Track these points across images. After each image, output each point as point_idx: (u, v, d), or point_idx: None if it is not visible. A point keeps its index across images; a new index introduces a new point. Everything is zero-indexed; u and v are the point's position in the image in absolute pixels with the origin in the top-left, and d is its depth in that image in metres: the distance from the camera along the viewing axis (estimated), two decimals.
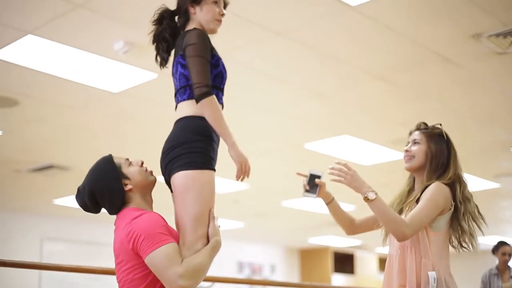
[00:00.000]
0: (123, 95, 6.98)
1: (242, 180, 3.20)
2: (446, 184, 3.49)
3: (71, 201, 11.95)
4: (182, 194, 3.07)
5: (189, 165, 3.04)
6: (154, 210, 3.23)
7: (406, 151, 3.67)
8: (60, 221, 13.86)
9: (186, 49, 3.15)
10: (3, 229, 13.35)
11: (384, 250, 3.74)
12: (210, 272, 3.53)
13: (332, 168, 3.44)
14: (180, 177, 3.06)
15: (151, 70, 6.26)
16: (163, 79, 6.51)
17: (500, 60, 6.18)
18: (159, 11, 3.41)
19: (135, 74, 6.44)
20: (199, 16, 3.32)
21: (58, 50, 5.89)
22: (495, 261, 9.11)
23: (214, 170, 3.15)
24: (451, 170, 3.56)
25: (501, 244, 9.06)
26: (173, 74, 3.30)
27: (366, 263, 20.84)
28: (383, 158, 9.34)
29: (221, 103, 3.26)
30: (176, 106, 3.26)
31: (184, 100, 3.19)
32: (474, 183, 11.03)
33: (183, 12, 3.37)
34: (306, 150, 8.83)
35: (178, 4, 3.41)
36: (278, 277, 19.03)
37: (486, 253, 9.50)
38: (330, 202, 3.81)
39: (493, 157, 9.71)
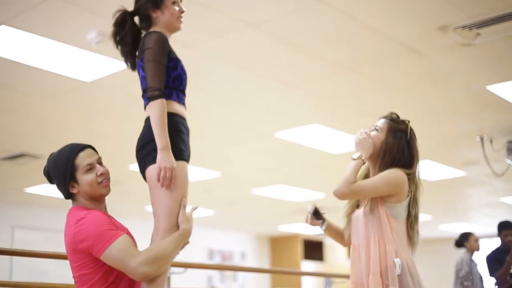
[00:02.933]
0: (96, 84, 7.00)
1: (164, 186, 3.14)
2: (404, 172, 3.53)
3: (42, 190, 11.93)
4: (155, 186, 3.16)
5: None
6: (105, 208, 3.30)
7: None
8: (31, 210, 13.81)
9: (144, 53, 3.23)
10: None
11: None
12: (182, 258, 3.61)
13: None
14: (152, 169, 3.15)
15: (123, 60, 6.30)
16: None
17: (466, 52, 6.28)
18: (120, 14, 3.45)
19: (108, 64, 6.47)
20: (162, 19, 3.41)
21: (31, 40, 5.90)
22: (458, 249, 9.24)
23: (186, 160, 3.24)
24: (414, 167, 3.62)
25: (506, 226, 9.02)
26: (139, 75, 3.38)
27: (335, 251, 20.96)
28: (352, 146, 9.43)
29: (183, 103, 3.35)
30: (144, 107, 3.33)
31: (148, 103, 3.25)
32: (442, 172, 11.18)
33: (145, 17, 3.43)
34: (276, 139, 8.89)
35: (138, 9, 3.46)
36: (249, 264, 19.10)
37: (452, 240, 9.65)
38: (325, 226, 3.91)
39: (460, 146, 9.83)
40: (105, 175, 3.24)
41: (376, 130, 3.66)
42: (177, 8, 3.45)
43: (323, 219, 3.90)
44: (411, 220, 3.58)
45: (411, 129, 3.66)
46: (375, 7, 5.49)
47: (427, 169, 10.75)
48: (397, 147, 3.60)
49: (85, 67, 6.56)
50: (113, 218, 3.20)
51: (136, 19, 3.49)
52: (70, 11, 5.43)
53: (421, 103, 7.82)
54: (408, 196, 3.53)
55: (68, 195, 3.20)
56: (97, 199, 3.23)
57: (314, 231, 18.86)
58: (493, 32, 5.84)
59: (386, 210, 3.48)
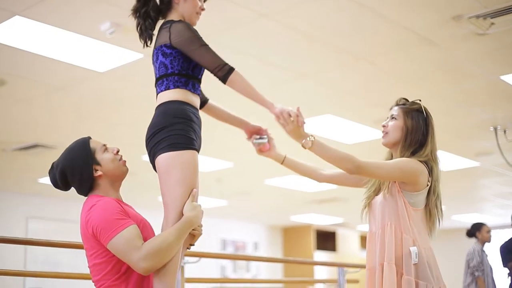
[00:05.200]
0: (109, 75, 7.02)
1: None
2: (421, 162, 3.51)
3: None
4: (164, 174, 3.15)
5: (170, 146, 3.13)
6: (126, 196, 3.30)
7: (383, 126, 3.69)
8: (45, 200, 13.87)
9: (183, 43, 3.24)
10: None
11: (366, 228, 3.80)
12: (195, 248, 3.61)
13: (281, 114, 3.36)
14: (162, 158, 3.14)
15: (137, 50, 6.32)
16: (149, 60, 6.58)
17: (480, 41, 6.26)
18: None
19: (121, 55, 6.49)
20: (183, 7, 3.40)
21: (46, 31, 5.92)
22: (470, 239, 9.25)
23: (196, 150, 3.23)
24: (428, 147, 3.58)
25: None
26: (153, 62, 3.38)
27: (347, 241, 20.99)
28: (365, 137, 9.44)
29: (198, 93, 3.36)
30: (156, 96, 3.34)
31: (162, 91, 3.28)
32: (455, 162, 11.16)
33: (166, 0, 3.42)
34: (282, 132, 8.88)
35: None
36: (261, 254, 19.13)
37: (464, 230, 9.64)
38: (283, 161, 3.86)
39: (474, 136, 9.81)
40: (120, 154, 3.27)
41: (394, 118, 3.65)
42: (199, 3, 3.45)
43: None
44: (430, 209, 3.57)
45: (424, 107, 3.67)
46: None
47: (441, 159, 10.69)
48: (416, 127, 3.60)
49: (98, 57, 6.58)
50: (129, 206, 3.21)
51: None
52: (84, 2, 5.46)
53: (434, 93, 7.81)
54: (427, 186, 3.51)
55: (91, 184, 3.18)
56: (120, 179, 3.25)
57: (327, 221, 18.88)
58: (508, 21, 5.82)
59: (404, 198, 3.47)
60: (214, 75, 3.25)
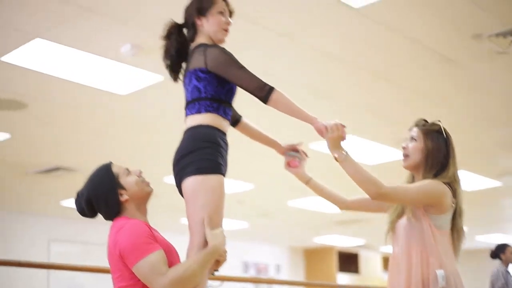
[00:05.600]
0: (130, 97, 7.05)
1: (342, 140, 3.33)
2: (445, 183, 3.44)
3: None
4: (191, 198, 3.15)
5: (198, 170, 3.12)
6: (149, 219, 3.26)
7: (403, 148, 3.63)
8: (67, 223, 13.89)
9: (221, 66, 3.25)
10: (11, 230, 13.41)
11: (389, 249, 3.75)
12: (218, 272, 3.59)
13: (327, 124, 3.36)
14: (189, 182, 3.14)
15: (158, 72, 6.35)
16: (169, 82, 6.60)
17: (500, 60, 6.24)
18: (167, 26, 3.48)
19: (142, 77, 6.52)
20: (206, 27, 3.40)
21: (66, 53, 5.97)
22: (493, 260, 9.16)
23: (223, 174, 3.23)
24: (450, 169, 3.51)
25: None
26: (185, 85, 3.38)
27: (370, 263, 20.88)
28: (386, 157, 9.41)
29: (229, 119, 3.36)
30: (185, 119, 3.34)
31: (192, 114, 3.28)
32: (477, 182, 11.09)
33: (190, 25, 3.44)
34: (310, 150, 8.88)
35: (185, 18, 3.48)
36: (284, 277, 19.03)
37: (488, 251, 9.55)
38: (309, 180, 3.83)
39: (496, 156, 9.76)
40: (142, 175, 3.25)
41: (414, 140, 3.60)
42: (223, 19, 3.45)
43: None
44: (456, 231, 3.53)
45: (444, 128, 3.63)
46: (408, 16, 5.49)
47: (463, 179, 10.61)
48: (437, 148, 3.54)
49: (119, 79, 6.61)
50: (155, 230, 3.19)
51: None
52: (105, 24, 5.49)
53: (456, 112, 7.77)
54: (452, 207, 3.47)
55: (118, 208, 3.16)
56: (145, 201, 3.23)
57: (350, 243, 18.79)
58: None
59: (429, 221, 3.42)
60: (255, 96, 3.25)
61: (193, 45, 3.42)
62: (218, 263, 3.23)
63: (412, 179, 3.66)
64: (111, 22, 5.47)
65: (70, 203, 12.28)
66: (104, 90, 6.82)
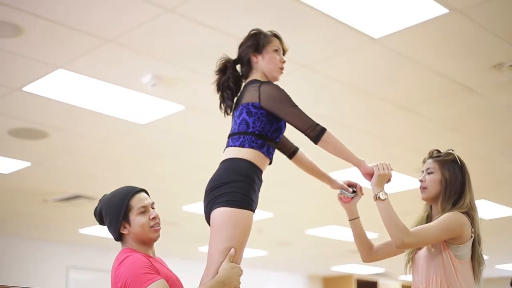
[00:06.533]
0: (151, 127, 7.09)
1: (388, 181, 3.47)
2: (463, 213, 3.44)
3: (97, 231, 12.03)
4: (216, 228, 3.15)
5: (229, 202, 3.13)
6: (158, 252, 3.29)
7: (421, 181, 3.63)
8: (86, 250, 13.93)
9: (274, 104, 3.30)
10: (30, 257, 13.43)
11: (408, 278, 3.73)
12: None
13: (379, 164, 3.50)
14: (218, 212, 3.15)
15: (178, 102, 6.39)
16: (190, 112, 6.64)
17: None
18: (222, 61, 3.51)
19: (163, 107, 6.55)
20: (262, 65, 3.46)
21: (88, 84, 6.03)
22: None
23: (253, 211, 3.23)
24: (467, 197, 3.51)
25: None
26: (234, 117, 3.41)
27: None
28: (405, 186, 9.38)
29: (270, 158, 3.37)
30: (225, 149, 3.36)
31: (235, 146, 3.29)
32: (496, 210, 11.03)
33: (245, 61, 3.49)
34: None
35: (240, 54, 3.52)
36: None
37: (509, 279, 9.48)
38: (354, 219, 3.76)
39: None
40: (157, 220, 3.22)
41: (431, 173, 3.60)
42: (278, 58, 3.50)
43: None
44: (477, 260, 3.51)
45: (458, 156, 3.64)
46: (429, 46, 5.49)
47: (483, 207, 10.60)
48: (454, 178, 3.54)
49: (140, 109, 6.65)
50: (160, 262, 3.21)
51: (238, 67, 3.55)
52: (126, 55, 5.54)
53: (476, 140, 7.74)
54: (471, 237, 3.46)
55: (118, 236, 3.19)
56: (147, 243, 3.21)
57: (369, 271, 18.69)
58: None
59: (449, 251, 3.41)
60: (306, 135, 3.30)
61: (246, 81, 3.48)
62: None
63: (430, 209, 3.66)
64: (132, 52, 5.51)
65: (89, 231, 12.32)
66: (124, 119, 6.87)
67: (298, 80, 6.02)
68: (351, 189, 3.74)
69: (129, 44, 5.36)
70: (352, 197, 3.73)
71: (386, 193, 3.40)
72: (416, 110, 6.79)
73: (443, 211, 3.48)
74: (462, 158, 3.67)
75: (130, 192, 3.21)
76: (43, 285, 12.02)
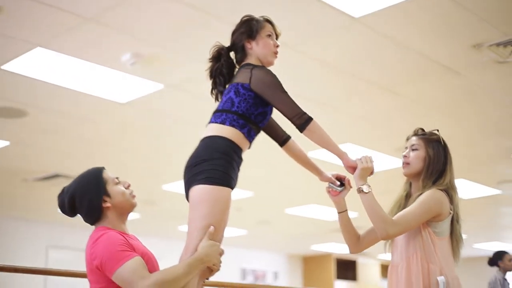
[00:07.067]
0: (130, 105, 7.06)
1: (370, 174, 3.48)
2: (442, 190, 3.50)
3: None
4: (195, 205, 3.16)
5: (208, 180, 3.14)
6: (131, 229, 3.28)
7: (404, 156, 3.67)
8: (66, 230, 13.89)
9: (264, 87, 3.33)
10: (9, 236, 13.45)
11: (387, 257, 3.77)
12: (215, 278, 3.60)
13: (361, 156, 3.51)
14: (197, 190, 3.16)
15: (158, 81, 6.36)
16: (169, 90, 6.62)
17: (500, 69, 6.25)
18: (216, 48, 3.54)
19: (142, 85, 6.53)
20: (256, 50, 3.50)
21: (67, 62, 5.99)
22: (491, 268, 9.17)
23: (232, 188, 3.25)
24: (447, 176, 3.58)
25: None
26: (224, 94, 3.42)
27: (368, 270, 20.87)
28: (385, 165, 9.42)
29: (250, 140, 3.39)
30: (207, 124, 3.37)
31: (216, 122, 3.31)
32: (476, 190, 11.11)
33: (239, 48, 3.52)
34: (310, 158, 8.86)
35: (234, 41, 3.55)
36: (282, 284, 19.03)
37: (486, 259, 9.55)
38: (343, 212, 3.77)
39: (495, 164, 9.75)
40: (131, 188, 3.27)
41: (416, 149, 3.64)
42: (271, 42, 3.55)
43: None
44: (455, 237, 3.56)
45: (442, 137, 3.68)
46: (409, 26, 5.50)
47: (462, 187, 10.66)
48: (437, 156, 3.60)
49: (119, 88, 6.62)
50: (134, 238, 3.21)
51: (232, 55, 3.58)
52: (105, 33, 5.50)
53: (456, 121, 7.78)
54: (450, 213, 3.50)
55: (99, 214, 3.18)
56: (127, 212, 3.24)
57: (348, 250, 18.77)
58: None
59: (429, 229, 3.45)
60: (292, 122, 3.32)
61: (243, 63, 3.50)
62: (211, 271, 3.23)
63: (409, 187, 3.72)
64: (111, 32, 5.48)
65: None
66: (103, 98, 6.84)
67: (279, 59, 6.00)
68: (338, 183, 3.73)
69: (109, 22, 5.32)
70: (340, 191, 3.72)
71: (369, 186, 3.43)
72: (396, 90, 6.81)
73: (424, 188, 3.54)
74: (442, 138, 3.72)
75: (99, 169, 3.24)
76: (23, 264, 11.97)
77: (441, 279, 3.38)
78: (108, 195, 3.17)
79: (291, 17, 5.32)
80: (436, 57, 6.04)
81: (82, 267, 3.82)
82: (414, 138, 3.70)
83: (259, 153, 8.55)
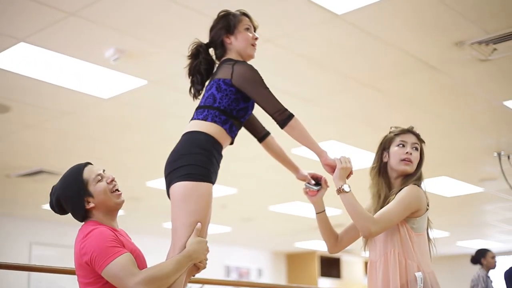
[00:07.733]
0: (114, 101, 7.05)
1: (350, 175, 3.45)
2: (419, 186, 3.55)
3: None
4: (178, 203, 3.16)
5: (187, 176, 3.15)
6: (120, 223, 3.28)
7: (409, 153, 3.61)
8: (49, 226, 13.87)
9: (246, 83, 3.33)
10: None
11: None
12: (199, 275, 3.60)
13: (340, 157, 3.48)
14: (177, 187, 3.16)
15: (141, 77, 6.36)
16: (153, 86, 6.62)
17: (482, 67, 6.28)
18: (194, 46, 3.54)
19: (125, 81, 6.52)
20: (235, 45, 3.51)
21: (50, 58, 5.96)
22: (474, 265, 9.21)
23: (213, 183, 3.25)
24: (422, 173, 3.64)
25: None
26: (206, 90, 3.43)
27: (352, 267, 20.93)
28: (368, 163, 9.42)
29: (232, 136, 3.39)
30: (190, 121, 3.37)
31: (198, 119, 3.32)
32: (459, 188, 11.13)
33: (219, 44, 3.52)
34: (293, 155, 8.82)
35: (212, 37, 3.55)
36: (266, 281, 19.03)
37: (469, 256, 9.59)
38: (321, 212, 3.75)
39: (477, 162, 9.78)
40: (115, 182, 3.24)
41: (416, 149, 3.66)
42: (250, 35, 3.56)
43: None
44: (430, 232, 3.60)
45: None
46: (392, 23, 5.52)
47: (444, 185, 10.70)
48: (423, 158, 3.67)
49: (103, 83, 6.61)
50: (124, 235, 3.22)
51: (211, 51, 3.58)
52: (88, 29, 5.49)
53: (437, 119, 7.81)
54: (427, 209, 3.53)
55: (84, 214, 3.17)
56: (113, 210, 3.22)
57: None
58: (510, 47, 5.85)
59: (406, 225, 3.47)
60: (274, 119, 3.33)
61: (223, 59, 3.50)
62: (197, 268, 3.24)
63: (382, 183, 3.70)
64: (95, 27, 5.46)
65: None
66: (87, 93, 6.82)
67: (261, 55, 6.00)
68: (313, 182, 3.73)
69: (92, 17, 5.30)
70: (317, 190, 3.71)
71: (349, 186, 3.42)
72: (378, 86, 6.83)
73: (404, 184, 3.55)
74: (423, 135, 3.75)
75: (80, 168, 3.21)
76: (6, 260, 11.93)
77: (418, 274, 3.40)
78: (91, 195, 3.15)
79: (273, 12, 5.32)
80: (419, 54, 6.06)
81: (65, 264, 3.82)
82: (413, 136, 3.70)
83: (243, 150, 8.55)
